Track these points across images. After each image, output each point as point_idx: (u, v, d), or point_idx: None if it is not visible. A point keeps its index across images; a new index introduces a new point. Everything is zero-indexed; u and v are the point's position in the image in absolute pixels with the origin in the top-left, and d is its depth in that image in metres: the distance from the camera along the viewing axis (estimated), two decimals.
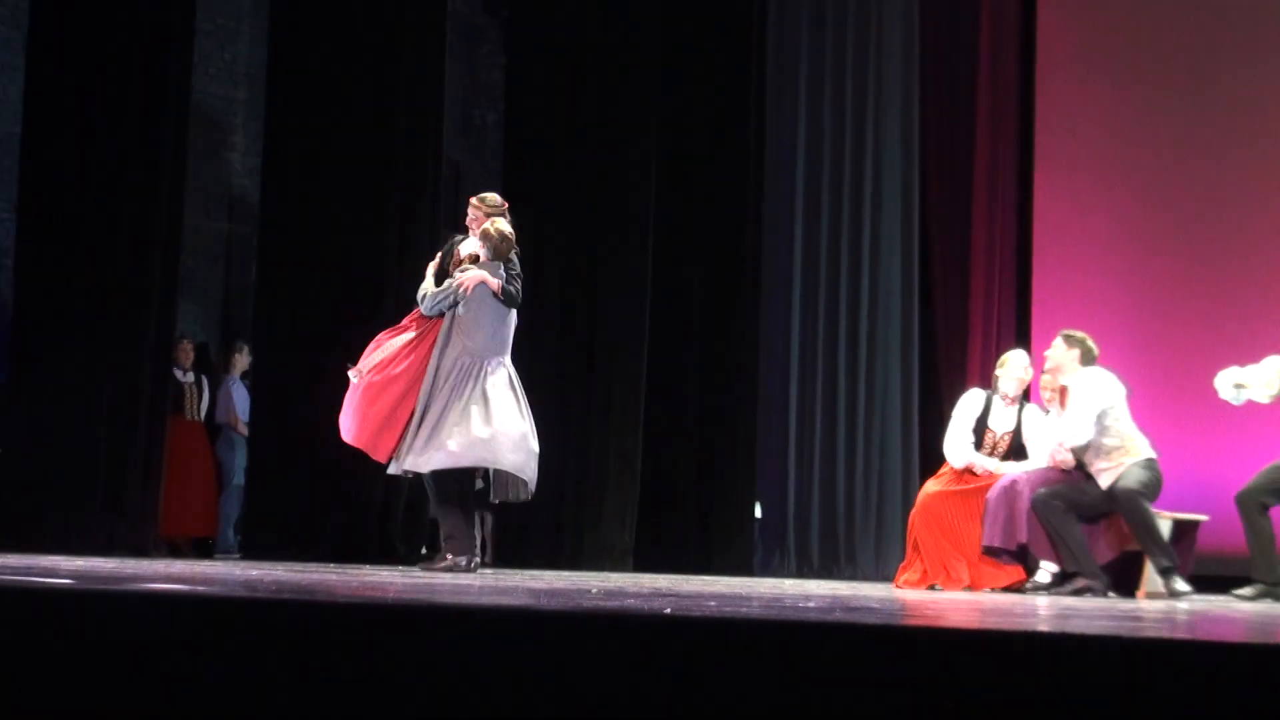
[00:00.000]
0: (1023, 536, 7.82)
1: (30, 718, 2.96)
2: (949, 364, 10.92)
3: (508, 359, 7.61)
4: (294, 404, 9.49)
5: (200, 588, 4.18)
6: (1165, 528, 7.83)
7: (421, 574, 7.14)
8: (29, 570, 5.09)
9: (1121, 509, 7.66)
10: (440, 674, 2.87)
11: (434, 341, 7.56)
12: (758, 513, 11.13)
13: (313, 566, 7.60)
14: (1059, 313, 10.18)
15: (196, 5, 9.63)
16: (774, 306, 11.21)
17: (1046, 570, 7.80)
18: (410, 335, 7.60)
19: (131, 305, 9.03)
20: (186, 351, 10.46)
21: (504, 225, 7.66)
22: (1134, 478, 7.62)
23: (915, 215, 11.19)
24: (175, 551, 9.74)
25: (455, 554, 7.47)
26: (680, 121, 10.89)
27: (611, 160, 10.61)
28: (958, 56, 11.24)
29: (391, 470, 7.60)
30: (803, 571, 10.88)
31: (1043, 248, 10.76)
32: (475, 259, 7.67)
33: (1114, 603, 6.64)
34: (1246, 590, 7.52)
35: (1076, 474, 7.89)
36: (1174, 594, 7.39)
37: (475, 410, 7.32)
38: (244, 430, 10.58)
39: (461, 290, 7.50)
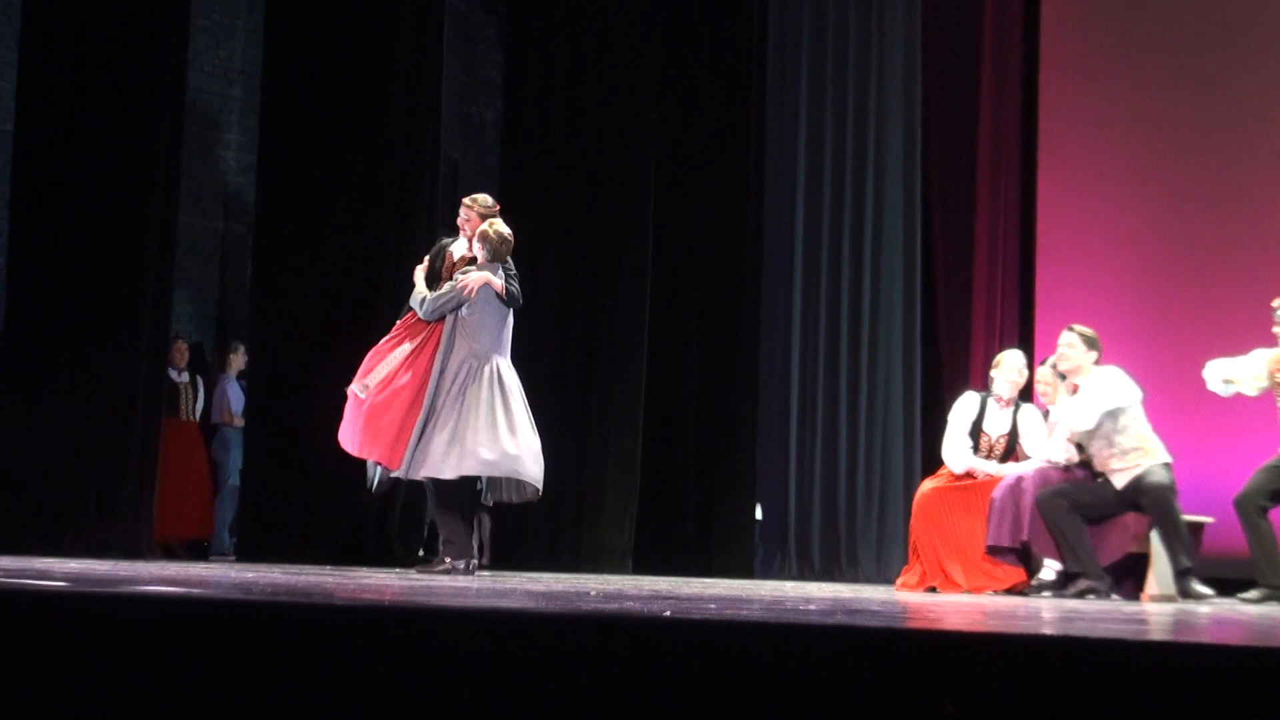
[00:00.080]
0: (1026, 534, 7.74)
1: None
2: (951, 364, 10.87)
3: (508, 360, 7.63)
4: (290, 404, 9.47)
5: (195, 590, 4.17)
6: None
7: (419, 576, 7.15)
8: (22, 573, 5.06)
9: (1151, 504, 7.59)
10: (438, 677, 2.86)
11: (434, 348, 7.57)
12: (758, 514, 11.11)
13: (309, 569, 7.59)
14: (1062, 313, 10.11)
15: (191, 2, 9.59)
16: (775, 306, 11.19)
17: (1051, 568, 7.74)
18: (409, 346, 7.61)
19: (125, 305, 8.99)
20: (181, 351, 10.49)
21: (503, 227, 7.68)
22: (1163, 475, 7.59)
23: (917, 214, 11.16)
24: (170, 554, 9.69)
25: (454, 557, 7.50)
26: (680, 119, 10.88)
27: (610, 159, 10.58)
28: (960, 53, 11.21)
29: (400, 475, 7.56)
30: (804, 574, 10.85)
31: (1046, 247, 10.73)
32: (471, 260, 7.65)
33: (1117, 605, 6.62)
34: (1252, 594, 7.50)
35: (1081, 473, 7.84)
36: (1193, 596, 7.35)
37: (501, 419, 7.38)
38: (239, 422, 10.54)
39: (466, 293, 7.49)
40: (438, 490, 7.59)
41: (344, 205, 9.67)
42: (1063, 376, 8.00)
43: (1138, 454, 7.62)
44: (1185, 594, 7.37)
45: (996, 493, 7.85)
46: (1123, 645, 2.89)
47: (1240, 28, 10.44)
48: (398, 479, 7.65)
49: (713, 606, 4.28)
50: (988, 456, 8.21)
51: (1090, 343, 7.76)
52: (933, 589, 7.97)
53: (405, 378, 7.53)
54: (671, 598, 4.99)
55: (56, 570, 5.56)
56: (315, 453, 8.95)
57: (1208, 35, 10.48)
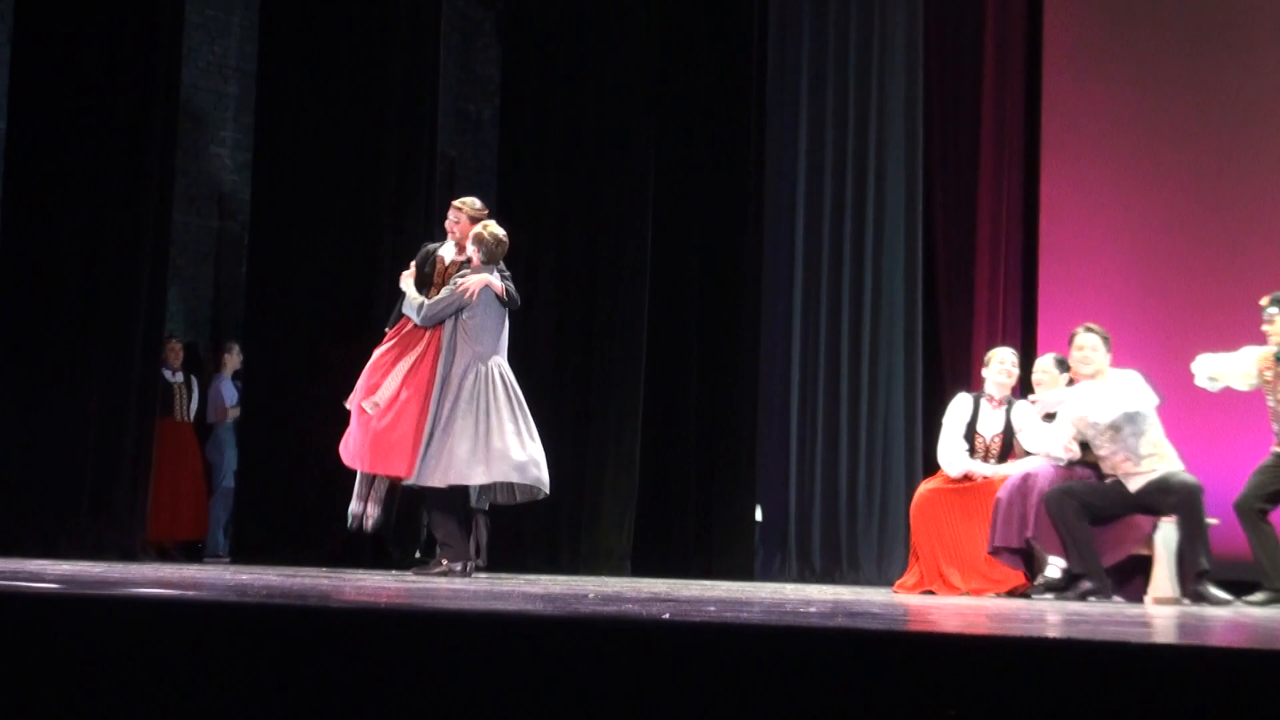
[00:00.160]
0: (1031, 530, 7.70)
1: None
2: (953, 364, 10.82)
3: (507, 362, 7.69)
4: (285, 404, 9.46)
5: (189, 592, 4.17)
6: (1175, 531, 7.69)
7: (416, 579, 7.16)
8: (15, 575, 5.04)
9: (1180, 502, 7.55)
10: (436, 680, 2.85)
11: (434, 355, 7.61)
12: (758, 516, 11.05)
13: (304, 570, 7.58)
14: (1064, 313, 10.16)
15: None
16: (775, 306, 11.14)
17: (1055, 566, 7.70)
18: (411, 358, 7.63)
19: (119, 304, 8.97)
20: (175, 351, 10.51)
21: (497, 229, 7.72)
22: (1191, 476, 7.59)
23: (919, 212, 11.11)
24: (164, 555, 9.68)
25: (451, 559, 7.54)
26: (679, 116, 10.84)
27: (609, 157, 10.54)
28: (962, 51, 11.18)
29: (411, 483, 7.61)
30: (804, 576, 10.80)
31: (1048, 247, 10.70)
32: (464, 263, 7.69)
33: (1121, 607, 6.61)
34: (1257, 596, 7.50)
35: (1086, 471, 7.79)
36: (1209, 600, 7.32)
37: (522, 423, 7.50)
38: (234, 413, 10.53)
39: (467, 296, 7.52)
40: (433, 493, 7.60)
41: (340, 203, 9.65)
42: (1064, 368, 8.00)
43: (1153, 459, 7.61)
44: (1202, 598, 7.34)
45: (1002, 493, 7.80)
46: (1127, 648, 2.88)
47: (1243, 26, 10.43)
48: (376, 521, 7.74)
49: (712, 609, 4.27)
50: (985, 458, 8.17)
51: (1108, 343, 7.75)
52: (929, 592, 7.93)
53: (409, 390, 7.56)
54: (670, 600, 4.99)
55: (49, 572, 5.56)
56: (311, 453, 8.95)
57: (1211, 33, 10.47)
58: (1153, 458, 7.60)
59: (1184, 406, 8.91)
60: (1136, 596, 7.69)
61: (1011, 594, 7.76)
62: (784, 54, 11.33)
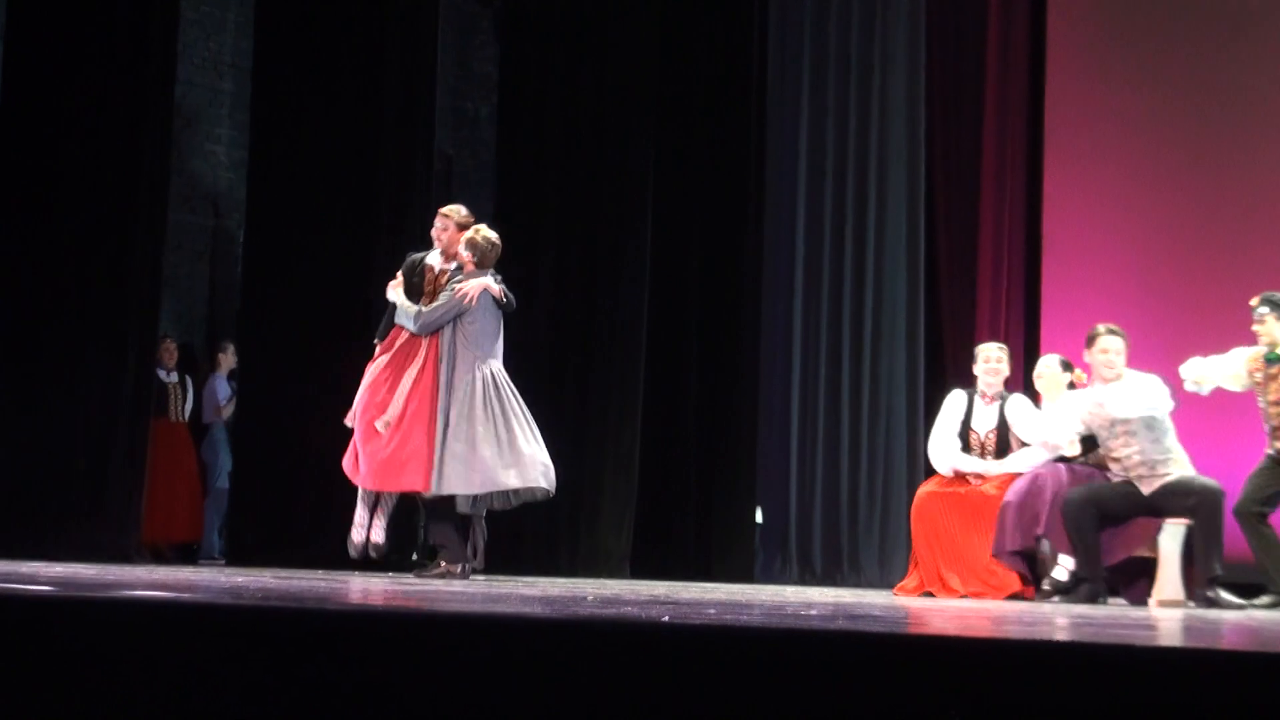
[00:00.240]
0: (1043, 528, 7.64)
1: None
2: (955, 364, 10.76)
3: (502, 364, 7.78)
4: (281, 404, 9.46)
5: (184, 595, 4.18)
6: (1181, 534, 7.65)
7: (414, 581, 7.20)
8: (8, 577, 5.02)
9: (1201, 503, 7.52)
10: (433, 683, 2.86)
11: (434, 363, 7.64)
12: (758, 517, 11.03)
13: (301, 573, 7.60)
14: (1068, 313, 10.19)
15: None
16: (776, 306, 11.12)
17: (1063, 568, 7.65)
18: (412, 372, 7.66)
19: (113, 303, 8.95)
20: (170, 351, 10.54)
21: (490, 232, 7.78)
22: (1212, 480, 7.59)
23: (921, 211, 11.08)
24: (158, 557, 9.66)
25: (449, 562, 7.60)
26: (679, 113, 10.82)
27: (608, 155, 10.51)
28: (964, 48, 11.16)
29: (433, 494, 7.62)
30: (805, 578, 10.75)
31: (1051, 246, 10.68)
32: (457, 269, 7.74)
33: (1126, 610, 6.60)
34: (1263, 599, 7.50)
35: (1094, 471, 7.75)
36: (1220, 604, 7.29)
37: (532, 428, 7.61)
38: (229, 409, 10.49)
39: (467, 301, 7.56)
40: (434, 496, 7.62)
41: (336, 201, 9.64)
42: (1067, 368, 8.00)
43: (1167, 464, 7.60)
44: (1213, 603, 7.31)
45: (1011, 496, 7.75)
46: (1131, 651, 2.89)
47: (1247, 25, 10.43)
48: (382, 549, 7.79)
49: (712, 611, 4.27)
50: (980, 454, 8.14)
51: (1128, 345, 7.72)
52: (929, 594, 7.90)
53: (415, 404, 7.59)
54: (670, 602, 4.99)
55: (43, 574, 5.57)
56: (306, 454, 8.96)
57: (1214, 33, 10.47)
58: (1168, 461, 7.58)
59: (1187, 406, 8.88)
60: (1141, 599, 7.66)
61: (1011, 599, 7.71)
62: (785, 51, 11.29)
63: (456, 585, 6.69)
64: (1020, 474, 7.89)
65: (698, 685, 2.74)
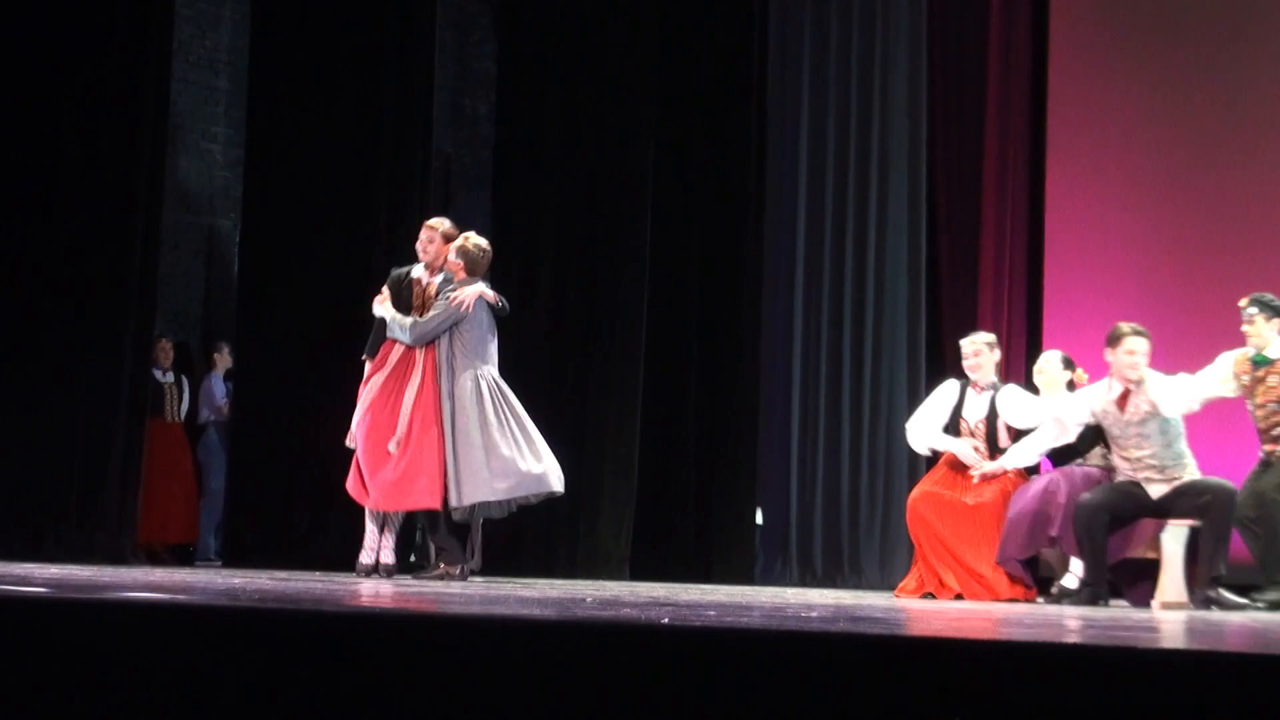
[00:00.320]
0: (1055, 531, 7.61)
1: None
2: (956, 365, 10.69)
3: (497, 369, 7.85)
4: (277, 405, 9.45)
5: (180, 596, 4.19)
6: (1184, 535, 7.61)
7: (412, 582, 7.22)
8: (3, 578, 5.03)
9: (1214, 502, 7.49)
10: (431, 685, 2.88)
11: (433, 376, 7.64)
12: (759, 519, 11.02)
13: (297, 574, 7.59)
14: (1070, 312, 10.22)
15: None
16: (776, 307, 11.11)
17: (1073, 575, 7.66)
18: (413, 387, 7.65)
19: (108, 303, 8.93)
20: (166, 351, 10.55)
21: (480, 239, 7.81)
22: (1225, 480, 7.57)
23: (922, 212, 11.08)
24: (154, 558, 9.66)
25: (449, 564, 7.62)
26: (679, 112, 10.80)
27: (607, 154, 10.48)
28: (966, 47, 11.17)
29: (460, 505, 7.63)
30: (805, 580, 10.76)
31: (1054, 245, 10.68)
32: (447, 280, 7.76)
33: (1129, 612, 6.61)
34: (1268, 594, 7.48)
35: (1104, 474, 7.74)
36: (1223, 605, 7.27)
37: (534, 433, 7.67)
38: (226, 407, 10.44)
39: (464, 309, 7.58)
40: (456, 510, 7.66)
41: (334, 200, 9.63)
42: (1069, 366, 8.01)
43: (1177, 469, 7.57)
44: (1216, 602, 7.28)
45: (1026, 505, 7.69)
46: (1134, 653, 2.91)
47: (1248, 26, 10.43)
48: (392, 568, 7.77)
49: (712, 613, 4.28)
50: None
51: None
52: (930, 595, 7.89)
53: (420, 420, 7.59)
54: (670, 604, 4.99)
55: (37, 575, 5.59)
56: (304, 454, 8.98)
57: (1217, 33, 10.47)
58: (1178, 465, 7.56)
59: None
60: (1144, 602, 7.62)
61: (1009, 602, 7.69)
62: (785, 49, 11.28)
63: (455, 587, 6.69)
64: (1014, 475, 7.89)
65: (697, 687, 2.74)
